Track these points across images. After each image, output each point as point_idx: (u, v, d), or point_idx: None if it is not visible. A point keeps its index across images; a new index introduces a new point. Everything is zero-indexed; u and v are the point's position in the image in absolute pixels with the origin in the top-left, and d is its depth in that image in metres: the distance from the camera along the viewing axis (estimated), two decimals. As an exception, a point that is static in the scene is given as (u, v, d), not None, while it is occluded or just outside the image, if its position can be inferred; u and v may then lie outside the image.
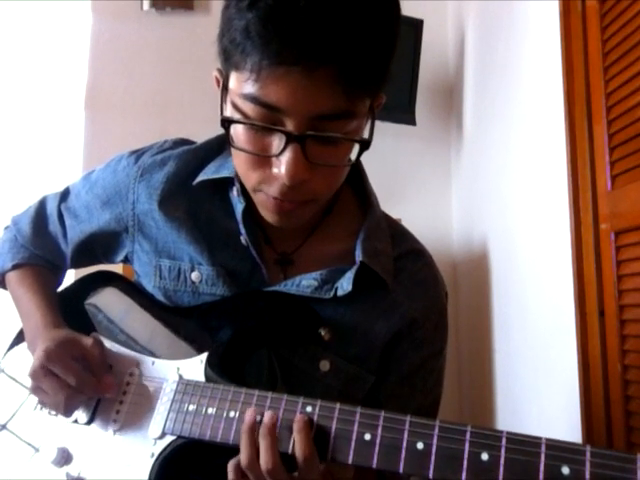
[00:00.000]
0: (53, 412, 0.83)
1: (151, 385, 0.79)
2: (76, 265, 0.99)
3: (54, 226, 0.96)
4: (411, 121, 2.13)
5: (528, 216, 1.66)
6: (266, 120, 0.66)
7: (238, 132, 0.69)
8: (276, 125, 0.66)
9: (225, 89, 0.71)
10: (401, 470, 0.59)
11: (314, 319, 0.78)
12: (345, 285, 0.78)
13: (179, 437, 0.73)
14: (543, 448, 0.54)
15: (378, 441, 0.61)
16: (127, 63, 2.13)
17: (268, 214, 0.75)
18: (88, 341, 0.81)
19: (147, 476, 0.73)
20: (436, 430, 0.58)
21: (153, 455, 0.74)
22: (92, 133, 2.08)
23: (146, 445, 0.75)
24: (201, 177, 0.84)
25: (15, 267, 0.96)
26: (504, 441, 0.55)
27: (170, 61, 2.14)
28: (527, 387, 1.66)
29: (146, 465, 0.74)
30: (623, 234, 1.26)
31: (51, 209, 0.97)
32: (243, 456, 0.65)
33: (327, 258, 0.84)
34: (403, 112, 2.11)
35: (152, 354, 0.82)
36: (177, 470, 0.75)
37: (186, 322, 0.84)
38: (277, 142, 0.67)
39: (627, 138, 1.24)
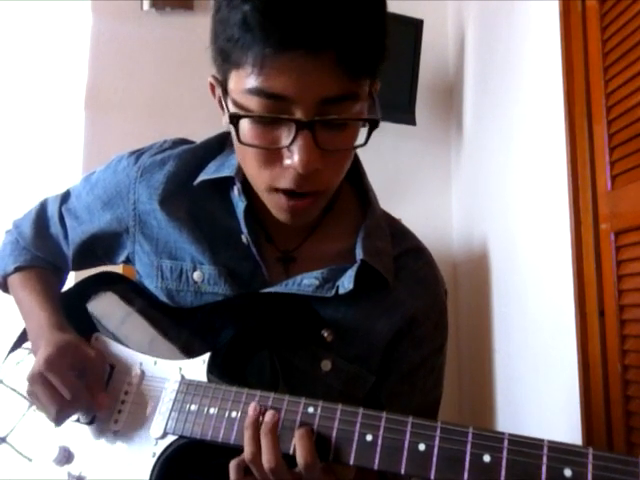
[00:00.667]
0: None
1: (153, 385, 0.79)
2: (78, 267, 0.99)
3: (55, 228, 0.96)
4: (411, 121, 2.13)
5: (528, 216, 1.66)
6: (273, 111, 0.66)
7: (245, 129, 0.69)
8: (284, 115, 0.66)
9: (225, 92, 0.71)
10: (402, 471, 0.59)
11: (316, 320, 0.78)
12: (346, 283, 0.78)
13: (181, 437, 0.74)
14: (545, 450, 0.54)
15: (380, 442, 0.61)
16: (127, 63, 2.12)
17: (282, 214, 0.75)
18: (91, 352, 0.81)
19: (148, 476, 0.73)
20: (438, 431, 0.58)
21: (154, 455, 0.74)
22: (92, 133, 2.07)
23: (148, 445, 0.75)
24: (202, 177, 0.85)
25: (17, 269, 0.96)
26: (506, 443, 0.55)
27: (170, 61, 2.14)
28: (527, 387, 1.66)
29: (147, 465, 0.74)
30: (623, 234, 1.26)
31: (52, 211, 0.97)
32: (247, 451, 0.66)
33: (328, 256, 0.84)
34: (403, 112, 2.11)
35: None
36: (178, 470, 0.75)
37: (189, 323, 0.84)
38: (286, 133, 0.67)
39: (627, 138, 1.24)
